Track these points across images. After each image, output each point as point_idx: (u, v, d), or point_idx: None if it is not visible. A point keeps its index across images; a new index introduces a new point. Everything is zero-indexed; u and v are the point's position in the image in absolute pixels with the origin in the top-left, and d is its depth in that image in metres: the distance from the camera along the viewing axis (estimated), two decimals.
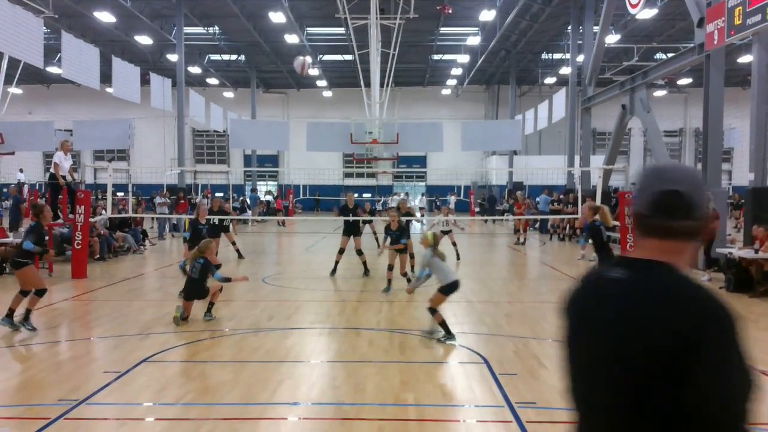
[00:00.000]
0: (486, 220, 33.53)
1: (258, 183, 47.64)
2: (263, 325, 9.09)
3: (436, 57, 40.42)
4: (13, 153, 25.34)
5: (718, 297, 1.69)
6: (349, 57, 38.20)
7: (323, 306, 10.77)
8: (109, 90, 25.35)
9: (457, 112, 46.38)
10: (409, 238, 13.85)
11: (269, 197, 39.71)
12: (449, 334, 8.06)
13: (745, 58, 31.28)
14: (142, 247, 19.13)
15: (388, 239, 12.45)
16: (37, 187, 32.30)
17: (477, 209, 37.00)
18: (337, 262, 14.09)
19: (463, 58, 37.56)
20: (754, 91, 14.27)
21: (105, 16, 28.07)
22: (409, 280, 11.91)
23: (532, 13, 30.42)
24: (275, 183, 48.96)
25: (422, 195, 43.21)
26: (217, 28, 35.28)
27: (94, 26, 32.48)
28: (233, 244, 17.23)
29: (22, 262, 8.63)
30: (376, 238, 18.18)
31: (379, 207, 41.09)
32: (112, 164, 19.33)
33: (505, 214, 31.79)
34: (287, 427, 5.35)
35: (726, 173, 43.30)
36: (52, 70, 31.71)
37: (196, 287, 9.15)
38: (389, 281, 12.05)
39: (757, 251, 11.78)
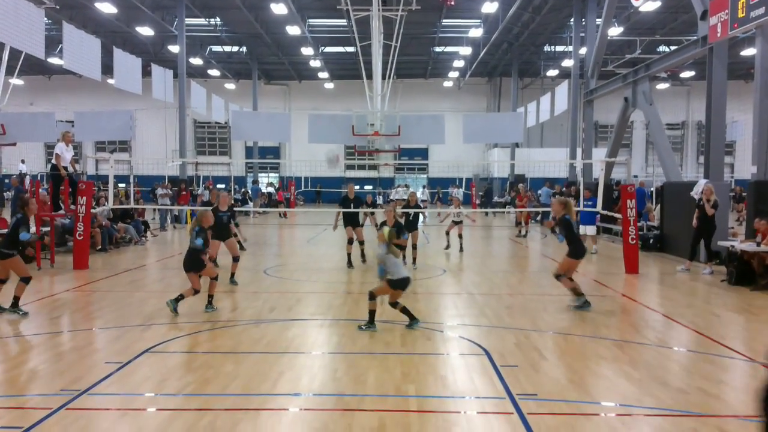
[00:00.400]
0: (487, 213, 33.51)
1: (259, 175, 47.64)
2: (264, 317, 9.10)
3: (438, 49, 40.33)
4: (14, 144, 25.37)
5: None
6: (351, 49, 38.09)
7: (324, 298, 10.77)
8: (110, 81, 25.34)
9: (459, 105, 46.31)
10: (416, 229, 13.94)
11: (271, 189, 39.70)
12: (371, 324, 8.19)
13: (748, 51, 31.19)
14: (143, 238, 19.15)
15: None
16: (38, 178, 32.27)
17: (478, 201, 36.98)
18: (349, 254, 14.14)
19: (466, 50, 37.46)
20: (757, 84, 14.22)
21: (106, 7, 28.03)
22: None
23: (534, 5, 30.31)
24: (277, 175, 48.95)
25: (423, 187, 43.16)
26: (218, 19, 35.20)
27: (95, 17, 32.42)
28: (235, 235, 17.21)
29: (9, 253, 8.92)
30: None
31: (379, 200, 41.21)
32: (114, 155, 19.32)
33: (507, 206, 31.77)
34: (288, 418, 5.36)
35: (728, 166, 43.17)
36: (54, 61, 31.70)
37: (193, 257, 9.05)
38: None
39: (758, 244, 11.78)
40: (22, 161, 36.02)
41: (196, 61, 40.52)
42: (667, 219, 17.45)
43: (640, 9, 29.08)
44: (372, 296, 8.25)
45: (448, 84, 47.62)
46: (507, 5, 28.41)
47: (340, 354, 7.28)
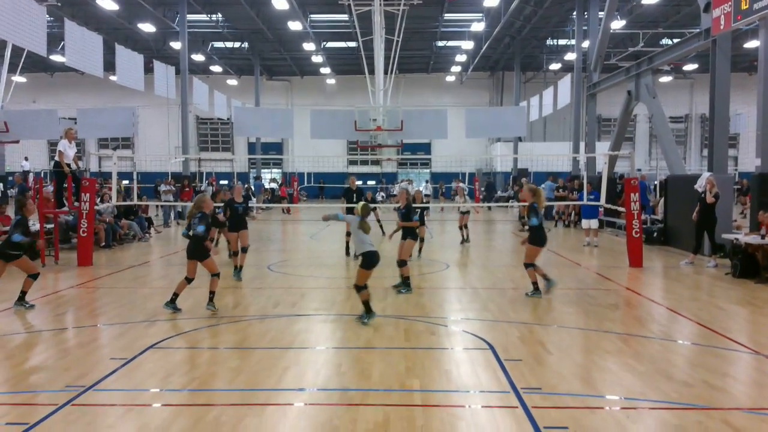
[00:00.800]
0: (490, 207, 33.48)
1: (262, 171, 47.66)
2: (269, 312, 9.11)
3: (440, 43, 40.22)
4: (17, 141, 25.34)
5: None
6: (352, 44, 38.06)
7: (328, 293, 10.78)
8: (112, 78, 25.30)
9: (462, 99, 46.20)
10: (423, 225, 14.09)
11: (273, 185, 39.71)
12: (369, 313, 8.21)
13: (751, 43, 31.02)
14: (147, 234, 19.18)
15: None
16: (42, 176, 32.32)
17: (481, 196, 36.94)
18: (348, 243, 14.77)
19: (468, 45, 37.34)
20: (760, 76, 14.14)
21: (108, 4, 27.93)
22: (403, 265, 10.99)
23: None
24: (279, 171, 48.97)
25: (426, 182, 43.14)
26: (220, 15, 35.14)
27: (97, 14, 32.39)
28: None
29: (15, 254, 9.13)
30: (380, 225, 18.27)
31: (379, 197, 41.25)
32: (117, 152, 19.33)
33: (510, 200, 31.73)
34: (293, 413, 5.37)
35: (732, 159, 43.06)
36: (56, 58, 31.69)
37: (197, 245, 8.88)
38: (405, 279, 10.71)
39: (763, 237, 11.75)
40: (26, 159, 36.06)
41: (198, 57, 40.48)
42: (671, 212, 17.41)
43: (643, 1, 29.01)
44: (359, 288, 8.25)
45: (450, 78, 47.51)
46: None
47: (345, 349, 7.29)
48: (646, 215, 17.75)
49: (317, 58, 40.80)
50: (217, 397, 5.65)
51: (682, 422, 5.10)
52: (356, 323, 8.30)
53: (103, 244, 16.27)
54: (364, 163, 47.61)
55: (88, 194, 13.81)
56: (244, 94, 44.72)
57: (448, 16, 34.40)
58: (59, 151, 14.71)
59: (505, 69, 46.49)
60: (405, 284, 10.61)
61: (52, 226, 14.57)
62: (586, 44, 26.51)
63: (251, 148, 47.41)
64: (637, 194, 13.98)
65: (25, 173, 31.85)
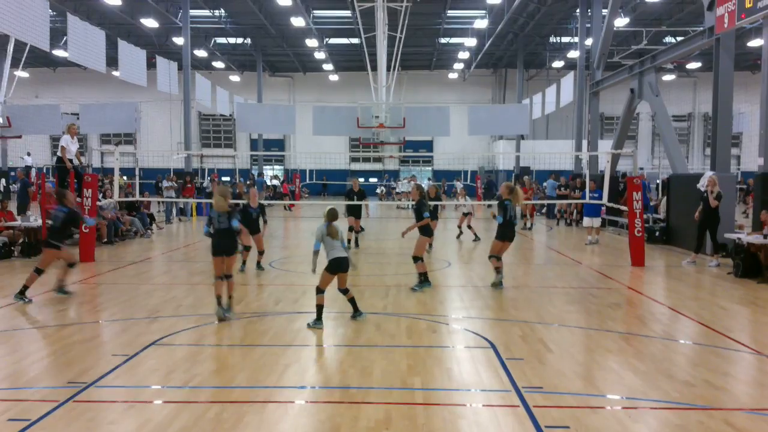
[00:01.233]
0: (490, 205, 33.42)
1: (264, 167, 47.67)
2: (270, 309, 9.12)
3: (443, 40, 40.17)
4: (20, 136, 25.42)
5: None
6: (355, 40, 38.03)
7: (330, 290, 10.72)
8: (115, 73, 25.32)
9: (464, 96, 46.17)
10: (435, 219, 13.83)
11: (276, 182, 39.72)
12: (318, 321, 7.99)
13: (755, 42, 30.96)
14: (149, 231, 19.18)
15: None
16: (44, 171, 32.36)
17: (481, 193, 36.92)
18: (349, 240, 15.64)
19: (471, 42, 37.29)
20: (764, 75, 14.12)
21: None
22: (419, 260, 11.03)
23: None
24: (281, 167, 48.98)
25: (428, 180, 43.12)
26: (222, 10, 35.12)
27: (99, 9, 32.41)
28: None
29: (57, 245, 9.66)
30: (357, 239, 17.75)
31: (379, 190, 41.27)
32: (119, 148, 19.33)
33: None
34: (294, 411, 5.37)
35: (735, 158, 43.02)
36: (59, 53, 31.72)
37: (225, 238, 8.41)
38: (423, 275, 10.65)
39: (765, 236, 11.73)
40: (28, 154, 36.12)
41: (201, 53, 40.48)
42: (674, 211, 17.39)
43: None
44: (318, 290, 8.09)
45: (453, 75, 47.46)
46: None
47: (346, 347, 7.29)
48: (647, 214, 17.74)
49: (320, 55, 40.78)
50: (218, 394, 5.65)
51: (683, 422, 5.09)
52: (360, 322, 8.30)
53: (105, 240, 16.28)
54: (367, 160, 47.62)
55: (90, 190, 13.81)
56: (246, 90, 44.73)
57: (451, 12, 34.35)
58: (62, 146, 14.73)
59: (508, 66, 46.44)
60: (421, 280, 10.59)
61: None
62: (589, 42, 26.44)
63: (253, 144, 47.44)
64: (639, 193, 13.96)
65: (27, 168, 31.90)
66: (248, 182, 32.61)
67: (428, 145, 45.87)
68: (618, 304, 9.80)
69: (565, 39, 38.32)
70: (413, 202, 11.23)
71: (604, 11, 23.83)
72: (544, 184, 28.54)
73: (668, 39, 34.40)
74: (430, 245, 14.85)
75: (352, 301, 8.42)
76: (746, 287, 11.15)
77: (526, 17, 34.17)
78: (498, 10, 31.64)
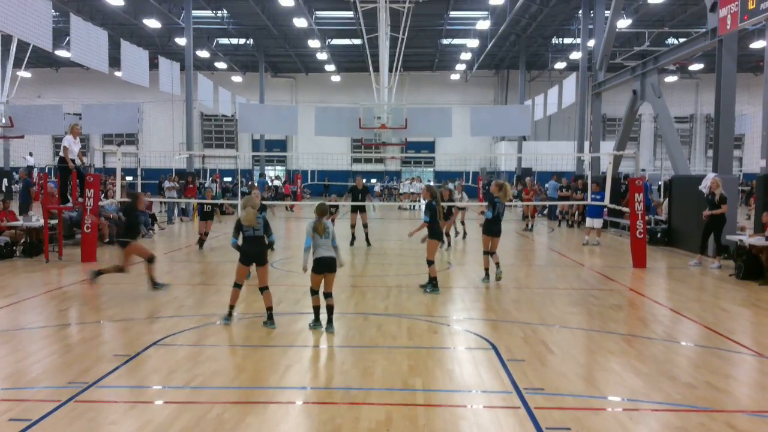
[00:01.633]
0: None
1: (266, 168, 47.69)
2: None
3: (445, 41, 40.18)
4: (22, 136, 25.44)
5: None
6: (357, 41, 38.04)
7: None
8: (117, 74, 25.36)
9: (466, 97, 46.17)
10: (447, 220, 15.40)
11: (277, 182, 39.73)
12: (316, 321, 7.94)
13: (758, 44, 30.95)
14: (151, 231, 19.19)
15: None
16: (46, 171, 32.40)
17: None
18: (353, 235, 16.84)
19: (473, 43, 37.30)
20: (766, 76, 14.10)
21: None
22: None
23: None
24: (283, 168, 48.99)
25: (429, 181, 43.12)
26: (225, 11, 35.16)
27: (102, 9, 32.45)
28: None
29: (127, 241, 9.95)
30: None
31: (377, 188, 41.26)
32: (121, 148, 19.34)
33: (514, 200, 31.68)
34: (296, 411, 5.37)
35: (737, 160, 42.97)
36: (61, 53, 31.74)
37: (256, 246, 8.14)
38: (433, 280, 10.58)
39: (767, 239, 11.70)
40: (30, 154, 36.16)
41: (203, 53, 40.52)
42: (676, 213, 17.37)
43: (649, 0, 28.91)
44: (312, 291, 7.99)
45: (455, 77, 47.46)
46: None
47: (347, 347, 7.29)
48: (649, 216, 17.72)
49: (322, 55, 40.79)
50: (219, 395, 5.65)
51: (685, 424, 5.08)
52: (361, 322, 8.29)
53: (107, 240, 16.29)
54: (368, 161, 47.61)
55: (92, 190, 13.82)
56: (248, 90, 44.76)
57: (453, 13, 34.35)
58: (64, 146, 14.72)
59: (510, 67, 46.43)
60: (431, 284, 10.52)
61: (56, 221, 14.57)
62: (591, 43, 26.43)
63: (255, 145, 47.45)
64: (641, 194, 13.95)
65: (30, 168, 31.93)
66: (249, 183, 32.67)
67: (430, 146, 45.87)
68: (619, 305, 9.78)
69: (568, 40, 38.28)
70: (426, 201, 11.13)
71: (607, 12, 23.81)
72: (546, 185, 28.53)
73: (671, 40, 34.36)
74: (449, 244, 16.25)
75: (329, 309, 7.92)
76: (748, 289, 11.13)
77: (529, 18, 34.16)
78: (500, 11, 31.63)
